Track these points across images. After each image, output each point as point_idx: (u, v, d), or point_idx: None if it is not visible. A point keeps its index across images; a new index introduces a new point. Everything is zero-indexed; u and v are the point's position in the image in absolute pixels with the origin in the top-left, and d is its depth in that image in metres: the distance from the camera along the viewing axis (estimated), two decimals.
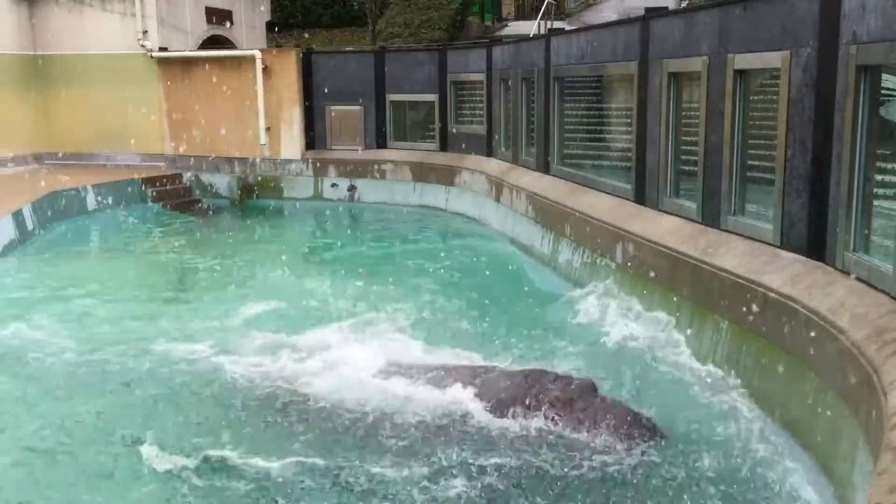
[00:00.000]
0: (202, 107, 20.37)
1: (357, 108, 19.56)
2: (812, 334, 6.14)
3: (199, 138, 20.53)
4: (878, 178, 6.36)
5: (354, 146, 19.71)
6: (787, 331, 6.50)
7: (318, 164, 19.85)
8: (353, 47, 25.87)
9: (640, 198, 10.31)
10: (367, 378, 7.78)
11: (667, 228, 9.11)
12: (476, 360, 8.36)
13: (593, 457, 6.17)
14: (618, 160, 11.71)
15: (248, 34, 24.22)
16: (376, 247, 15.62)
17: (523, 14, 31.07)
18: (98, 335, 9.73)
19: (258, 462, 6.39)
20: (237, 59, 20.07)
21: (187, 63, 20.45)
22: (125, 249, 15.14)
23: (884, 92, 6.25)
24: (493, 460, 6.22)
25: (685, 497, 5.72)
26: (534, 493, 5.83)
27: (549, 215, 12.56)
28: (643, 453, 6.18)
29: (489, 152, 17.07)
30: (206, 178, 20.42)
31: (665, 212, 9.64)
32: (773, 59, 7.44)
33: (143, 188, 19.19)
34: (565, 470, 6.05)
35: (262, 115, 19.63)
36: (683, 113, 9.50)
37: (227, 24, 23.23)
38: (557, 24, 21.59)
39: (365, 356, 8.37)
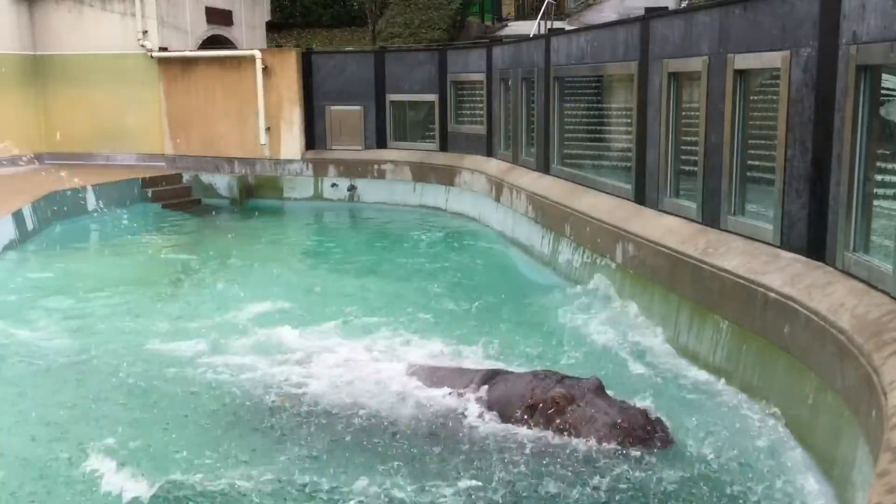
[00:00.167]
0: (202, 107, 20.38)
1: (357, 108, 19.57)
2: (812, 334, 6.14)
3: (199, 138, 20.54)
4: (878, 178, 6.36)
5: (354, 146, 19.72)
6: (787, 331, 6.50)
7: (318, 164, 19.85)
8: (353, 47, 25.87)
9: (640, 198, 10.31)
10: (368, 378, 7.74)
11: (667, 228, 9.11)
12: (479, 360, 8.36)
13: (598, 457, 6.13)
14: (618, 160, 11.71)
15: (248, 34, 24.22)
16: (376, 247, 15.61)
17: (523, 14, 31.07)
18: (96, 335, 9.73)
19: (255, 461, 6.39)
20: (237, 59, 20.08)
21: (187, 63, 20.45)
22: (124, 249, 15.13)
23: (884, 92, 6.25)
24: (496, 460, 6.19)
25: (687, 498, 5.72)
26: (536, 493, 5.82)
27: (549, 215, 12.56)
28: (650, 454, 6.12)
29: (489, 152, 17.07)
30: (205, 178, 20.42)
31: (665, 212, 9.64)
32: (773, 59, 7.44)
33: (142, 188, 19.19)
34: (569, 470, 6.02)
35: (262, 115, 19.63)
36: (683, 113, 9.50)
37: (227, 25, 23.23)
38: (557, 24, 21.59)
39: (365, 356, 8.37)
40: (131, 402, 7.70)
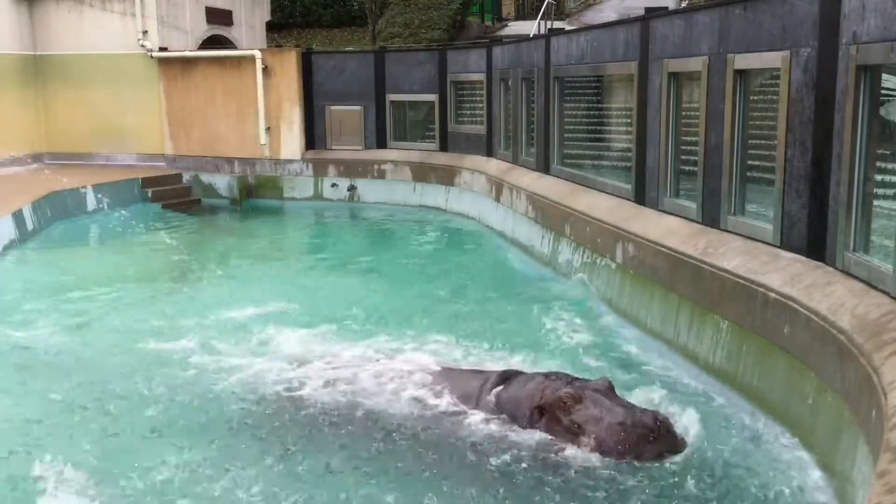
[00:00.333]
0: (202, 107, 20.38)
1: (357, 108, 19.56)
2: (812, 334, 6.14)
3: (199, 138, 20.54)
4: (878, 178, 6.36)
5: (354, 146, 19.72)
6: (787, 331, 6.50)
7: (318, 164, 19.85)
8: (353, 47, 25.87)
9: (640, 198, 10.31)
10: (375, 379, 7.69)
11: (667, 228, 9.11)
12: (482, 360, 8.35)
13: (604, 459, 6.10)
14: (618, 160, 11.71)
15: (248, 34, 24.22)
16: (376, 247, 15.62)
17: (523, 14, 31.09)
18: (94, 335, 9.73)
19: (251, 461, 6.39)
20: (237, 59, 20.08)
21: (187, 63, 20.45)
22: (124, 249, 15.13)
23: (884, 92, 6.25)
24: (500, 462, 6.18)
25: (688, 499, 5.72)
26: (538, 495, 5.81)
27: (549, 215, 12.56)
28: (656, 456, 6.08)
29: (489, 152, 17.07)
30: (205, 177, 20.42)
31: (665, 212, 9.64)
32: (773, 59, 7.44)
33: (142, 188, 19.19)
34: (573, 471, 6.00)
35: (262, 115, 19.63)
36: (683, 113, 9.50)
37: (227, 25, 23.23)
38: (557, 24, 21.60)
39: (371, 357, 8.35)
40: (127, 401, 7.68)
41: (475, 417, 6.85)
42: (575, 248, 11.41)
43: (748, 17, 7.85)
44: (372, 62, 19.48)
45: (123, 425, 7.16)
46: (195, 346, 9.05)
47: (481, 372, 7.49)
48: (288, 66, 19.55)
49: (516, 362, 8.14)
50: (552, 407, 6.50)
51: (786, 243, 7.35)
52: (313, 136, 19.94)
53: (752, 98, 8.15)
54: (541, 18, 23.65)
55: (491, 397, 6.97)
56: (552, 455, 6.24)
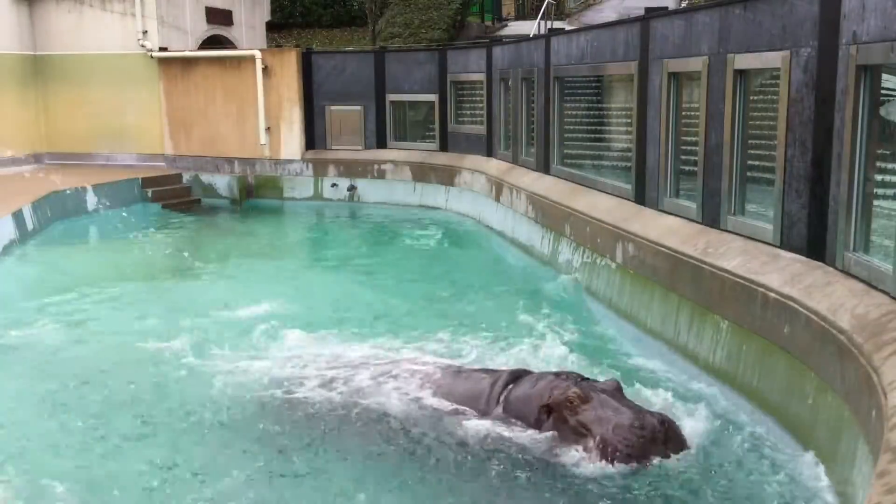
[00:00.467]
0: (202, 107, 20.38)
1: (357, 108, 19.57)
2: (812, 334, 6.13)
3: (199, 138, 20.54)
4: (878, 178, 6.35)
5: (354, 146, 19.72)
6: (787, 331, 6.50)
7: (318, 164, 19.85)
8: (353, 47, 25.87)
9: (640, 198, 10.31)
10: (373, 379, 7.66)
11: (667, 228, 9.11)
12: (485, 360, 8.34)
13: (608, 460, 6.04)
14: (618, 160, 11.71)
15: (248, 34, 24.22)
16: (376, 247, 15.61)
17: (523, 14, 31.09)
18: (92, 335, 9.74)
19: (248, 461, 6.39)
20: (237, 59, 20.08)
21: (187, 63, 20.45)
22: (124, 249, 15.14)
23: (884, 92, 6.24)
24: (507, 460, 6.17)
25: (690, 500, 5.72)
26: (542, 494, 5.79)
27: (549, 215, 12.56)
28: (661, 458, 6.05)
29: (489, 152, 17.07)
30: (205, 177, 20.42)
31: (665, 212, 9.64)
32: (773, 59, 7.44)
33: (142, 188, 19.19)
34: (577, 472, 5.98)
35: (262, 115, 19.63)
36: (683, 113, 9.50)
37: (227, 25, 23.23)
38: (557, 24, 21.60)
39: (370, 357, 8.34)
40: (123, 402, 7.67)
41: (482, 417, 6.82)
42: (575, 248, 11.41)
43: (748, 17, 7.85)
44: (372, 62, 19.48)
45: (117, 425, 7.15)
46: (193, 346, 9.03)
47: (491, 371, 7.45)
48: (288, 66, 19.55)
49: (518, 363, 8.13)
50: (559, 406, 6.46)
51: (786, 243, 7.35)
52: (313, 136, 19.94)
53: (752, 98, 8.15)
54: (541, 18, 23.65)
55: (500, 397, 6.92)
56: (557, 456, 6.21)
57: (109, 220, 17.42)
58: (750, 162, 8.17)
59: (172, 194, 19.66)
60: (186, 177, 20.44)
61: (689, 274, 8.16)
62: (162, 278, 12.78)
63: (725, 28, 8.26)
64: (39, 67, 21.08)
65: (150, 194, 19.17)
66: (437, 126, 18.90)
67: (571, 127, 13.38)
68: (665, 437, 6.14)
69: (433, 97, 18.81)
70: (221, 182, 20.31)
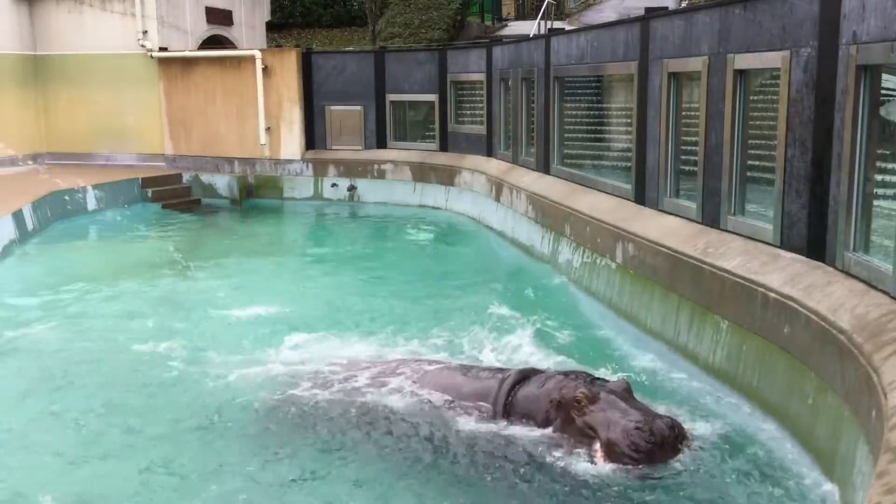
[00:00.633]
0: (202, 107, 20.38)
1: (357, 108, 19.57)
2: (812, 334, 6.13)
3: (199, 138, 20.54)
4: (878, 178, 6.35)
5: (354, 146, 19.72)
6: (787, 331, 6.50)
7: (318, 164, 19.85)
8: (353, 47, 25.87)
9: (640, 198, 10.31)
10: (379, 379, 7.64)
11: (667, 228, 9.10)
12: (486, 359, 8.34)
13: (613, 463, 6.01)
14: (618, 160, 11.71)
15: (248, 34, 24.22)
16: (376, 247, 15.61)
17: (523, 14, 31.09)
18: (90, 335, 9.71)
19: (247, 462, 6.38)
20: (237, 59, 20.08)
21: (187, 63, 20.45)
22: (124, 249, 15.13)
23: (884, 92, 6.24)
24: (513, 460, 6.15)
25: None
26: (545, 495, 5.78)
27: (549, 215, 12.56)
28: (667, 462, 6.00)
29: (489, 152, 17.07)
30: (205, 178, 20.42)
31: (665, 212, 9.64)
32: (773, 59, 7.43)
33: (142, 188, 19.19)
34: (582, 475, 5.94)
35: (262, 115, 19.63)
36: (683, 113, 9.50)
37: (227, 25, 23.22)
38: (557, 24, 21.60)
39: (373, 356, 8.33)
40: (119, 402, 7.67)
41: (490, 417, 6.79)
42: (575, 248, 11.41)
43: (748, 17, 7.85)
44: (372, 62, 19.49)
45: (116, 425, 7.15)
46: (192, 346, 9.05)
47: (499, 370, 7.41)
48: (288, 66, 19.55)
49: (518, 363, 8.13)
50: (567, 406, 6.39)
51: (786, 243, 7.35)
52: (313, 136, 19.94)
53: (752, 98, 8.14)
54: (541, 18, 23.65)
55: (508, 396, 6.87)
56: (562, 458, 6.15)
57: (109, 220, 17.42)
58: (750, 162, 8.17)
59: (172, 194, 19.66)
60: (186, 177, 20.44)
61: (689, 274, 8.16)
62: (162, 278, 12.77)
63: (725, 28, 8.26)
64: (39, 67, 21.08)
65: (150, 194, 19.17)
66: (437, 126, 18.90)
67: (571, 127, 13.38)
68: (674, 442, 6.06)
69: (433, 97, 18.81)
70: (221, 182, 20.31)
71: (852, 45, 6.29)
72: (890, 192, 6.41)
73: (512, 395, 6.88)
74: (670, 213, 9.50)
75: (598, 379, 6.71)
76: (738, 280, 7.26)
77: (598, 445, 6.15)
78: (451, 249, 15.06)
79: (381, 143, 19.55)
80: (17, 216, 14.83)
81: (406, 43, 24.03)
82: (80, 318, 10.46)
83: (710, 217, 8.61)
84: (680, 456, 6.05)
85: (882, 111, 6.27)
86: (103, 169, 20.38)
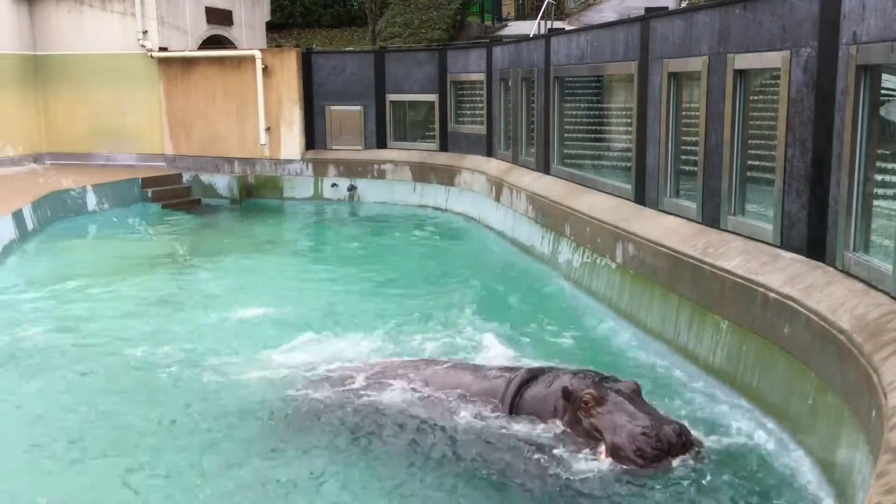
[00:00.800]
0: (202, 107, 20.38)
1: (357, 108, 19.57)
2: (812, 334, 6.13)
3: (199, 138, 20.54)
4: (878, 178, 6.35)
5: (354, 146, 19.72)
6: (787, 331, 6.50)
7: (318, 164, 19.86)
8: (353, 47, 25.87)
9: (640, 198, 10.31)
10: (384, 379, 7.61)
11: (667, 228, 9.10)
12: (488, 359, 8.33)
13: (619, 467, 5.92)
14: (618, 160, 11.71)
15: (248, 34, 24.22)
16: (376, 247, 15.59)
17: (523, 14, 31.10)
18: (89, 336, 9.70)
19: (253, 463, 6.38)
20: (237, 59, 20.08)
21: (187, 63, 20.45)
22: (124, 249, 15.13)
23: (884, 92, 6.24)
24: (518, 461, 6.11)
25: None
26: (549, 494, 5.76)
27: (549, 215, 12.56)
28: (673, 468, 5.91)
29: (489, 152, 17.07)
30: (205, 178, 20.42)
31: (665, 212, 9.64)
32: (773, 59, 7.43)
33: (142, 188, 19.19)
34: (586, 479, 5.88)
35: (262, 115, 19.64)
36: (683, 113, 9.50)
37: (227, 25, 23.22)
38: (557, 24, 21.60)
39: (376, 356, 8.32)
40: (119, 403, 7.65)
41: (496, 416, 6.75)
42: (575, 248, 11.41)
43: (748, 17, 7.85)
44: (372, 62, 19.49)
45: (114, 424, 7.15)
46: (191, 346, 9.05)
47: (507, 369, 7.35)
48: (288, 66, 19.55)
49: (517, 362, 8.12)
50: (574, 406, 6.31)
51: (786, 243, 7.35)
52: (313, 136, 19.94)
53: (752, 98, 8.14)
54: (541, 18, 23.65)
55: (515, 396, 6.82)
56: (567, 460, 6.07)
57: (109, 220, 17.43)
58: (750, 162, 8.17)
59: (172, 194, 19.66)
60: (186, 177, 20.44)
61: (689, 274, 8.16)
62: (162, 278, 12.77)
63: (725, 28, 8.26)
64: (39, 67, 21.08)
65: (150, 194, 19.17)
66: (437, 126, 18.90)
67: (571, 127, 13.38)
68: (681, 449, 5.93)
69: (433, 97, 18.81)
70: (221, 182, 20.31)
71: (852, 45, 6.29)
72: (890, 192, 6.40)
73: (519, 394, 6.82)
74: (670, 213, 9.50)
75: (607, 378, 6.59)
76: (738, 280, 7.26)
77: (603, 448, 6.08)
78: (450, 249, 15.05)
79: (381, 143, 19.55)
80: (17, 216, 14.83)
81: (406, 43, 24.03)
82: (80, 318, 10.45)
83: (710, 217, 8.61)
84: (690, 465, 5.93)
85: (882, 111, 6.27)
86: (103, 169, 20.38)
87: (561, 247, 11.99)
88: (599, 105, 12.97)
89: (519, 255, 13.65)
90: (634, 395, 6.33)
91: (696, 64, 8.79)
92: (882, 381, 4.88)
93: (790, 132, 7.24)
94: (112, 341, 9.45)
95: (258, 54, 19.70)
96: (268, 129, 19.75)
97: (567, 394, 6.40)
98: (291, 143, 19.86)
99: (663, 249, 8.74)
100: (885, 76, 6.23)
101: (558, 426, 6.43)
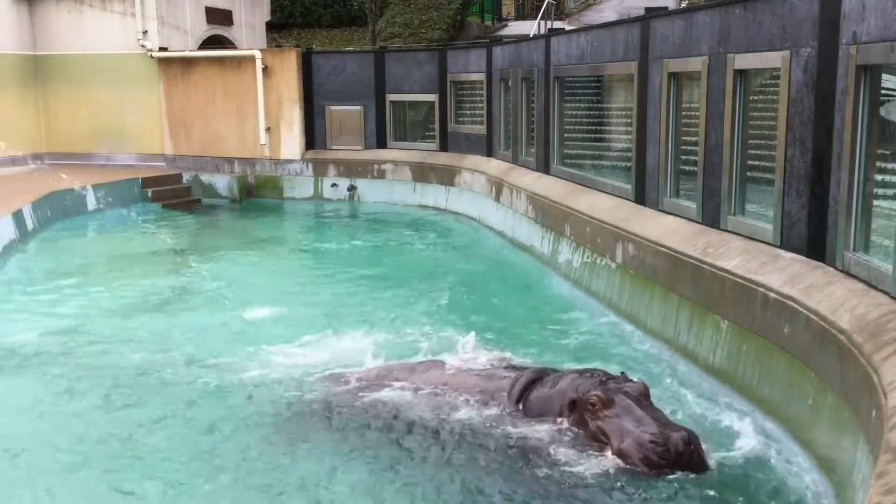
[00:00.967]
0: (202, 107, 20.38)
1: (357, 108, 19.57)
2: (812, 334, 6.13)
3: (199, 138, 20.55)
4: (878, 178, 6.35)
5: (354, 146, 19.72)
6: (787, 331, 6.50)
7: (318, 164, 19.86)
8: (353, 47, 25.87)
9: (640, 198, 10.31)
10: (389, 379, 7.60)
11: (667, 228, 9.10)
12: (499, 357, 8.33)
13: (623, 472, 5.87)
14: (618, 160, 11.71)
15: (248, 34, 24.22)
16: (376, 247, 15.58)
17: (523, 14, 31.10)
18: (92, 336, 9.70)
19: (248, 463, 6.38)
20: (237, 59, 20.08)
21: (187, 63, 20.45)
22: (124, 250, 15.12)
23: (884, 92, 6.24)
24: (522, 462, 6.09)
25: None
26: (551, 495, 5.75)
27: (549, 215, 12.56)
28: (679, 476, 5.83)
29: (489, 152, 17.07)
30: (205, 177, 20.42)
31: (665, 212, 9.63)
32: (773, 59, 7.43)
33: (142, 188, 19.19)
34: (590, 483, 5.84)
35: (262, 115, 19.64)
36: (683, 113, 9.50)
37: (227, 25, 23.22)
38: (557, 24, 21.60)
39: (379, 356, 8.32)
40: (120, 404, 7.66)
41: (501, 417, 6.73)
42: (575, 248, 11.41)
43: (748, 17, 7.85)
44: (372, 62, 19.49)
45: (111, 425, 7.14)
46: (190, 347, 9.05)
47: (514, 368, 7.32)
48: (288, 66, 19.55)
49: (522, 362, 8.12)
50: (581, 407, 6.24)
51: (786, 243, 7.35)
52: (313, 136, 19.94)
53: (752, 98, 8.14)
54: (541, 18, 23.65)
55: (521, 397, 6.78)
56: (572, 461, 6.04)
57: (109, 220, 17.43)
58: (750, 162, 8.17)
59: (172, 194, 19.66)
60: (186, 177, 20.44)
61: (689, 274, 8.16)
62: (162, 279, 12.76)
63: (725, 28, 8.26)
64: (39, 67, 21.08)
65: (150, 194, 19.17)
66: (437, 126, 18.90)
67: (571, 127, 13.38)
68: (690, 458, 5.79)
69: (433, 97, 18.81)
70: (221, 182, 20.31)
71: (852, 45, 6.28)
72: (890, 192, 6.40)
73: (525, 395, 6.77)
74: (670, 213, 9.50)
75: (615, 378, 6.49)
76: (738, 280, 7.26)
77: (609, 453, 6.01)
78: (450, 249, 15.04)
79: (381, 143, 19.55)
80: (17, 216, 14.83)
81: (406, 43, 24.03)
82: (80, 318, 10.44)
83: (710, 217, 8.61)
84: (696, 474, 5.83)
85: (882, 111, 6.27)
86: (103, 169, 20.39)
87: (561, 247, 11.99)
88: (599, 105, 12.97)
89: (519, 255, 13.65)
90: (642, 398, 6.23)
91: (696, 64, 8.79)
92: (882, 381, 4.88)
93: (790, 132, 7.24)
94: (112, 341, 9.45)
95: (258, 54, 19.70)
96: (268, 129, 19.75)
97: (572, 401, 6.34)
98: (291, 143, 19.86)
99: (663, 249, 8.74)
100: (885, 76, 6.23)
101: (564, 428, 6.38)
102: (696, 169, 8.95)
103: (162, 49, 20.59)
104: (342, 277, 12.80)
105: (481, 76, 17.25)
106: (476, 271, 13.00)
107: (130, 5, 20.53)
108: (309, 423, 7.00)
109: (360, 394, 7.36)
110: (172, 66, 20.55)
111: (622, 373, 6.75)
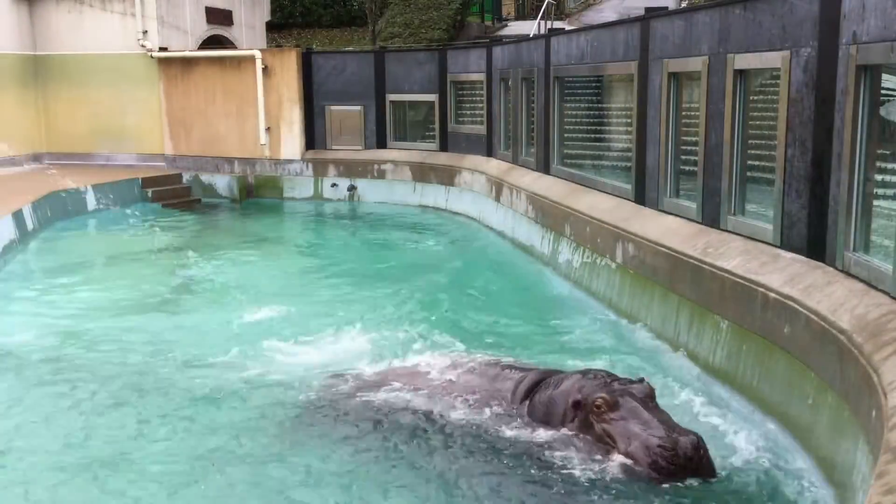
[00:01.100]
0: (202, 107, 20.39)
1: (357, 108, 19.57)
2: (812, 334, 6.13)
3: (199, 138, 20.55)
4: (878, 178, 6.35)
5: (354, 146, 19.72)
6: (787, 331, 6.50)
7: (318, 164, 19.86)
8: (353, 47, 25.87)
9: (640, 198, 10.31)
10: (393, 379, 7.58)
11: (667, 228, 9.10)
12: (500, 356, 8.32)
13: (627, 476, 5.80)
14: (618, 160, 11.71)
15: (248, 34, 24.22)
16: (376, 247, 15.59)
17: (523, 14, 31.11)
18: (92, 336, 9.70)
19: (248, 464, 6.38)
20: (237, 59, 20.08)
21: (187, 63, 20.45)
22: (124, 249, 15.13)
23: (884, 92, 6.24)
24: (525, 465, 6.05)
25: None
26: (558, 499, 5.73)
27: (549, 215, 12.56)
28: (685, 481, 5.75)
29: (489, 152, 17.07)
30: (205, 177, 20.43)
31: (665, 212, 9.64)
32: (773, 59, 7.43)
33: (142, 188, 19.19)
34: (597, 481, 5.79)
35: (262, 115, 19.64)
36: (683, 113, 9.50)
37: (227, 25, 23.22)
38: (557, 24, 21.61)
39: (381, 356, 8.32)
40: (121, 404, 7.64)
41: (505, 418, 6.70)
42: (575, 248, 11.41)
43: (748, 17, 7.85)
44: (372, 62, 19.49)
45: (112, 423, 7.15)
46: (190, 347, 9.03)
47: (518, 369, 7.26)
48: (288, 66, 19.55)
49: (523, 363, 8.11)
50: (585, 409, 6.15)
51: (786, 243, 7.35)
52: (313, 136, 19.95)
53: (752, 98, 8.14)
54: (541, 18, 23.66)
55: (524, 398, 6.74)
56: (578, 466, 5.97)
57: (109, 220, 17.43)
58: (750, 162, 8.17)
59: (172, 194, 19.66)
60: (186, 177, 20.44)
61: (689, 274, 8.16)
62: (162, 278, 12.77)
63: (725, 28, 8.26)
64: (39, 67, 21.08)
65: (150, 194, 19.17)
66: (437, 126, 18.90)
67: (571, 127, 13.38)
68: (698, 463, 5.68)
69: (433, 97, 18.81)
70: (221, 182, 20.31)
71: (852, 45, 6.29)
72: (890, 192, 6.40)
73: (529, 397, 6.72)
74: (670, 213, 9.50)
75: (619, 379, 6.41)
76: (738, 280, 7.26)
77: (614, 456, 5.92)
78: (450, 249, 15.04)
79: (381, 143, 19.56)
80: (17, 216, 14.82)
81: (406, 43, 24.03)
82: (81, 318, 10.44)
83: (710, 217, 8.61)
84: (703, 479, 5.76)
85: (882, 111, 6.27)
86: (103, 169, 20.39)
87: (561, 247, 11.99)
88: (599, 105, 12.97)
89: (519, 255, 13.65)
90: (648, 400, 6.12)
91: (696, 64, 8.79)
92: (882, 381, 4.88)
93: (790, 132, 7.24)
94: (112, 340, 9.45)
95: (258, 54, 19.70)
96: (268, 129, 19.75)
97: (577, 402, 6.27)
98: (291, 143, 19.87)
99: (663, 249, 8.74)
100: (885, 76, 6.23)
101: (569, 430, 6.30)
102: (696, 169, 8.95)
103: (162, 49, 20.59)
104: (342, 277, 12.80)
105: (481, 76, 17.25)
106: (476, 271, 13.00)
107: (130, 5, 20.53)
108: (309, 423, 6.99)
109: (361, 394, 7.34)
110: (172, 66, 20.55)
111: (641, 378, 6.54)
